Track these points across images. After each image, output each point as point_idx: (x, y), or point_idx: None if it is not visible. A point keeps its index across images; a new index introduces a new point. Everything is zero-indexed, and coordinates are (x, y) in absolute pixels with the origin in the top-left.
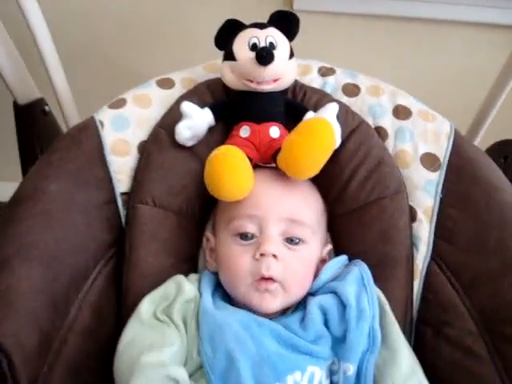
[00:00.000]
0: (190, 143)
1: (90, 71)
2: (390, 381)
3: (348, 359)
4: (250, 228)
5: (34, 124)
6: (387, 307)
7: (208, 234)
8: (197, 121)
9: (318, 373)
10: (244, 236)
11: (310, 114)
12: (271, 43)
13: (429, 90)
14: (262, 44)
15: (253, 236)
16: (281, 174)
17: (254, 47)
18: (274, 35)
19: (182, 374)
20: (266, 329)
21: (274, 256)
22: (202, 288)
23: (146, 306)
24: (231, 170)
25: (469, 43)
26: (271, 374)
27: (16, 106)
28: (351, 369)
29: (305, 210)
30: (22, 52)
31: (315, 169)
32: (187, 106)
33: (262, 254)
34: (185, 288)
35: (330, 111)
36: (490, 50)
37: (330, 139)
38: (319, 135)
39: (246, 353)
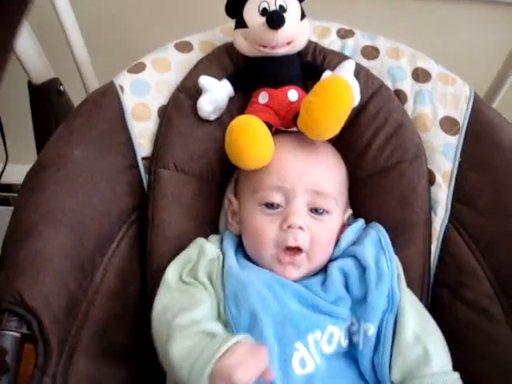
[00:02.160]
0: (212, 117)
1: (105, 45)
2: (396, 348)
3: (369, 319)
4: (277, 199)
5: (49, 104)
6: (401, 274)
7: (230, 196)
8: (217, 93)
9: (338, 332)
10: (270, 205)
11: (327, 73)
12: (281, 6)
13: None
14: (272, 8)
15: (278, 205)
16: (304, 139)
17: (264, 12)
18: None
19: (217, 327)
20: (289, 289)
21: (301, 228)
22: (224, 247)
23: (172, 273)
24: (249, 139)
25: (479, 21)
26: (293, 333)
27: (31, 85)
28: (372, 329)
29: (329, 181)
30: (37, 32)
31: (335, 128)
32: (206, 80)
33: (289, 226)
34: (206, 248)
35: (346, 69)
36: (500, 28)
37: (346, 97)
38: (335, 94)
39: (269, 312)
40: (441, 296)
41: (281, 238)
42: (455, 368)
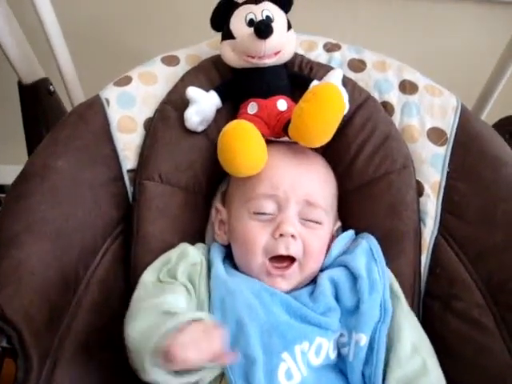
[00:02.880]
0: (200, 128)
1: (91, 51)
2: (394, 359)
3: (361, 330)
4: (269, 207)
5: (39, 103)
6: (396, 284)
7: (218, 205)
8: (204, 105)
9: (326, 344)
10: (262, 213)
11: (315, 83)
12: (268, 16)
13: (434, 69)
14: (259, 18)
15: (271, 214)
16: (295, 149)
17: (251, 23)
18: (269, 8)
19: (177, 306)
20: (277, 299)
21: (293, 236)
22: (212, 256)
23: (149, 275)
24: (243, 143)
25: (474, 20)
26: (279, 343)
27: (21, 85)
28: (364, 339)
29: (321, 192)
30: (26, 31)
31: (327, 135)
32: (193, 91)
33: (281, 235)
34: (189, 252)
35: (334, 77)
36: (494, 27)
37: (338, 102)
38: (327, 99)
39: (256, 320)
40: (432, 308)
41: (272, 246)
42: (448, 380)
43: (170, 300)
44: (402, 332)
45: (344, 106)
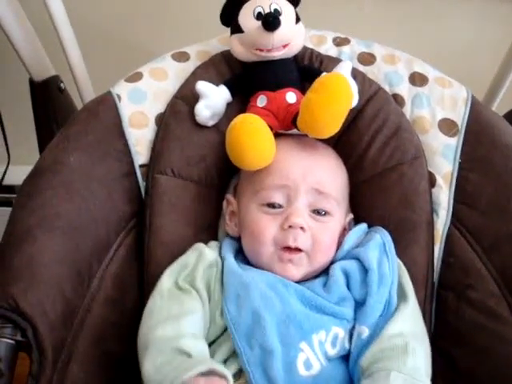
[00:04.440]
0: (210, 123)
1: (101, 49)
2: (376, 339)
3: (364, 322)
4: (279, 199)
5: (50, 101)
6: (407, 279)
7: (229, 197)
8: (214, 99)
9: (342, 334)
10: (271, 205)
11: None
12: (276, 9)
13: (443, 63)
14: (267, 11)
15: (280, 205)
16: (305, 141)
17: (259, 16)
18: (277, 2)
19: (195, 346)
20: (292, 289)
21: (302, 228)
22: (223, 253)
23: (167, 279)
24: (251, 137)
25: (483, 13)
26: (297, 333)
27: (32, 82)
28: (366, 332)
29: (331, 182)
30: (37, 29)
31: (335, 125)
32: (203, 86)
33: (290, 226)
34: (205, 254)
35: (343, 68)
36: (503, 21)
37: (346, 92)
38: (335, 89)
39: (272, 311)
40: (446, 298)
41: (281, 237)
42: (462, 370)
43: (188, 325)
44: (393, 319)
45: (352, 95)
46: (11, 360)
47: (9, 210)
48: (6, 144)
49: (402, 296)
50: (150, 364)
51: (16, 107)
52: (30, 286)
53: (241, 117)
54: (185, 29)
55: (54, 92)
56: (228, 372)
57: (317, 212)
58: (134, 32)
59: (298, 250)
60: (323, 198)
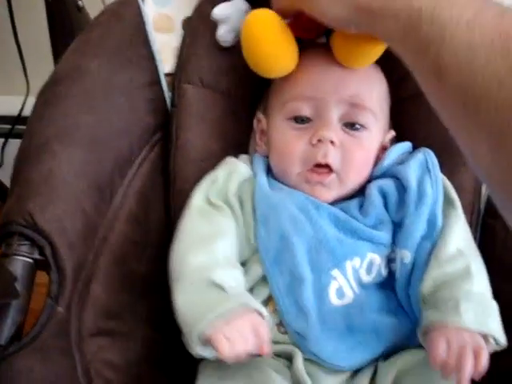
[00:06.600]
0: (236, 40)
1: None
2: (434, 261)
3: (405, 245)
4: (307, 111)
5: (68, 19)
6: (454, 197)
7: (259, 114)
8: (234, 19)
9: (378, 260)
10: (299, 119)
11: None
12: None
13: None
14: None
15: (308, 119)
16: None
17: None
18: None
19: (228, 277)
20: (324, 212)
21: (332, 142)
22: (255, 169)
23: (197, 196)
24: (262, 39)
25: None
26: (329, 259)
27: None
28: (408, 256)
29: (367, 92)
30: None
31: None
32: (219, 12)
33: (319, 140)
34: (238, 167)
35: None
36: None
37: None
38: None
39: (303, 235)
40: (493, 228)
41: (309, 154)
42: (507, 305)
43: (221, 250)
44: (448, 236)
45: None
46: (28, 280)
47: None
48: (26, 75)
49: (450, 206)
50: (182, 298)
51: (36, 37)
52: (47, 202)
53: (252, 14)
54: None
55: (72, 10)
56: (263, 308)
57: (350, 126)
58: None
59: (329, 168)
60: (357, 111)
